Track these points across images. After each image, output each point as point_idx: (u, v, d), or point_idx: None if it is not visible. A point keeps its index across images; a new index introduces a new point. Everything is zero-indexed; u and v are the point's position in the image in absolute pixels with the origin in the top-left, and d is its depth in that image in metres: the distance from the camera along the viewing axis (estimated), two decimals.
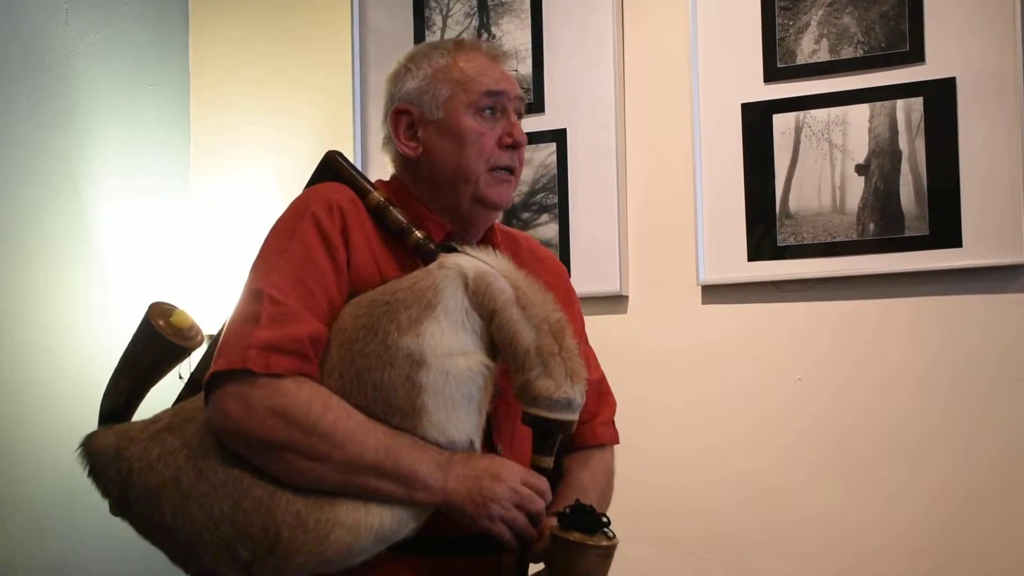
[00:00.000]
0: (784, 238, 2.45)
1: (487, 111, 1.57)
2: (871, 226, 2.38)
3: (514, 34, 2.75)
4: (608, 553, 1.40)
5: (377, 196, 1.55)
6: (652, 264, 2.59)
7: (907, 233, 2.34)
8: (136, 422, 1.50)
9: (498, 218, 1.69)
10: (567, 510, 1.42)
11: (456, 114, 1.56)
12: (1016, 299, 2.27)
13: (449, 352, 1.40)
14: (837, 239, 2.40)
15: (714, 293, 2.53)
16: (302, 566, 1.36)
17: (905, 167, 2.36)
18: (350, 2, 2.93)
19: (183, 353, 1.57)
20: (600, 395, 1.73)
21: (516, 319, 1.42)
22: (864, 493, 2.37)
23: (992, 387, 2.28)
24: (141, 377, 1.56)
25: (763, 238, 2.46)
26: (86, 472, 1.46)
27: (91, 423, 2.75)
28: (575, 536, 1.38)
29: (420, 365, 1.38)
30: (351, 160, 2.85)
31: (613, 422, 1.75)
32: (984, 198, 2.28)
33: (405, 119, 1.60)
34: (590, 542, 1.38)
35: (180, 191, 3.08)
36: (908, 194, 2.35)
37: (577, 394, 1.44)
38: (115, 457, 1.43)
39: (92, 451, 1.46)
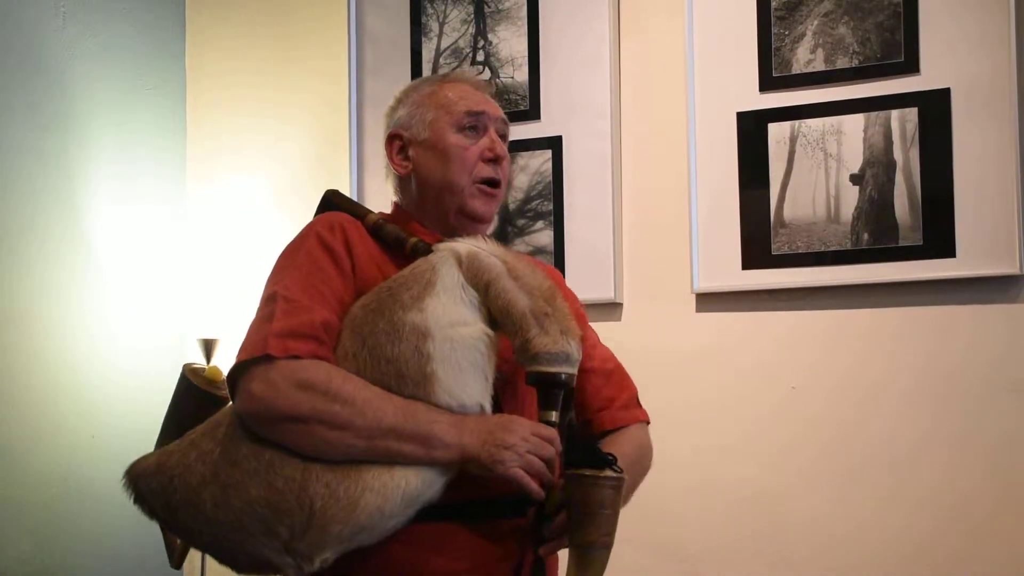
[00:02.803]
0: (778, 247, 2.46)
1: (469, 129, 1.71)
2: (865, 236, 2.38)
3: (511, 41, 2.75)
4: (617, 486, 1.51)
5: (374, 216, 1.69)
6: (647, 272, 2.60)
7: (901, 243, 2.35)
8: (173, 442, 1.59)
9: (489, 230, 1.78)
10: (576, 455, 1.53)
11: (441, 132, 1.70)
12: (1007, 309, 2.28)
13: (451, 323, 1.51)
14: (831, 248, 2.41)
15: (708, 301, 2.53)
16: (338, 536, 1.44)
17: (899, 177, 2.36)
18: (347, 9, 2.94)
19: (220, 402, 1.72)
20: (617, 380, 1.82)
21: (510, 288, 1.54)
22: (854, 500, 2.37)
23: (981, 396, 2.29)
24: (185, 430, 1.66)
25: (758, 247, 2.47)
26: (131, 499, 1.52)
27: (86, 427, 2.76)
28: (587, 471, 1.50)
29: (426, 336, 1.49)
30: (347, 164, 2.88)
31: (636, 403, 1.84)
32: (978, 209, 2.29)
33: (397, 143, 1.75)
34: (600, 475, 1.49)
35: (176, 196, 3.08)
36: (902, 204, 2.36)
37: (573, 348, 1.54)
38: (156, 471, 1.51)
39: (136, 474, 1.52)
